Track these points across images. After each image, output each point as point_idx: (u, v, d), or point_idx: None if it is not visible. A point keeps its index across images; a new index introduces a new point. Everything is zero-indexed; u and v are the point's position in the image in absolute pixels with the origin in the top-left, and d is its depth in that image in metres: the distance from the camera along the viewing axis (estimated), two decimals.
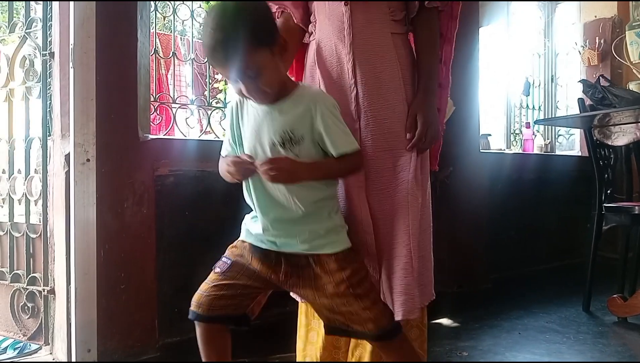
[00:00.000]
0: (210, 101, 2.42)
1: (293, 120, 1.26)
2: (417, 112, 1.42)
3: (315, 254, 1.28)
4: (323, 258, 1.28)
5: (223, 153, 1.38)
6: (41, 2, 2.04)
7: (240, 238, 1.38)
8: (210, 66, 1.28)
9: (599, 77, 3.17)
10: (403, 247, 1.35)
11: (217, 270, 1.33)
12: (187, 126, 2.34)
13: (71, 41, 1.81)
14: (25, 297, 2.04)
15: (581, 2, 4.14)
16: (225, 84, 2.61)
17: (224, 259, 1.34)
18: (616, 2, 3.98)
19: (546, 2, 4.20)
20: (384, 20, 1.44)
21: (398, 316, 1.32)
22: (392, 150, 1.40)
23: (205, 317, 1.30)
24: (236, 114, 1.34)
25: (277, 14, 1.57)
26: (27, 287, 2.03)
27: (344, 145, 1.27)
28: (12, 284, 2.08)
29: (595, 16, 4.07)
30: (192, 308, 1.31)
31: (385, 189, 1.39)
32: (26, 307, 2.04)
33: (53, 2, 1.97)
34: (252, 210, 1.35)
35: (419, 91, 1.45)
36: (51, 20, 1.98)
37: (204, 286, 1.33)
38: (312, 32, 1.52)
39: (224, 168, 1.28)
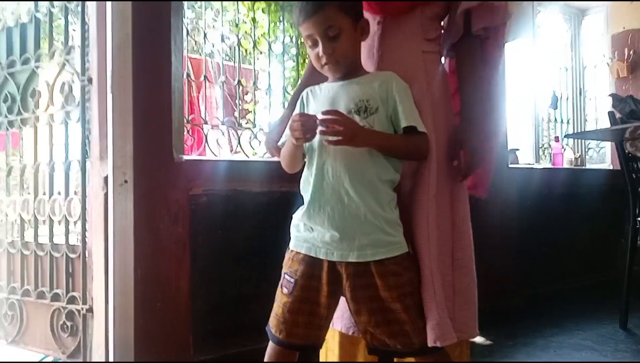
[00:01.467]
0: (240, 121, 2.47)
1: (369, 91, 1.31)
2: (461, 141, 1.42)
3: (372, 261, 1.26)
4: (380, 261, 1.27)
5: (282, 141, 1.41)
6: (79, 31, 2.12)
7: (292, 248, 1.36)
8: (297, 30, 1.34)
9: (630, 95, 3.12)
10: (425, 271, 1.33)
11: (285, 290, 1.32)
12: (218, 146, 2.39)
13: (109, 67, 1.88)
14: (64, 316, 2.09)
15: (609, 14, 4.10)
16: (255, 104, 2.66)
17: (287, 277, 1.33)
18: None
19: (572, 15, 4.18)
20: (415, 39, 1.44)
21: (430, 342, 1.29)
22: (415, 171, 1.40)
23: (286, 344, 1.32)
24: (307, 101, 1.41)
25: None
26: (67, 306, 2.09)
27: (414, 120, 1.30)
28: (52, 303, 2.14)
29: (624, 27, 4.02)
30: (273, 332, 1.33)
31: (405, 211, 1.37)
32: (65, 326, 2.09)
33: (90, 29, 2.06)
34: (301, 210, 1.34)
35: (462, 119, 1.46)
36: (89, 47, 2.06)
37: (279, 310, 1.33)
38: None
39: (290, 126, 1.28)
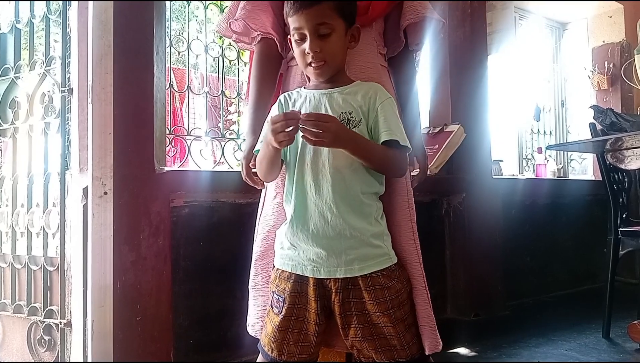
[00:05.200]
0: (224, 132, 2.45)
1: (353, 103, 1.28)
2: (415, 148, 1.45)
3: (360, 275, 1.25)
4: (369, 274, 1.25)
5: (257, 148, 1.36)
6: (60, 41, 2.10)
7: (277, 266, 1.33)
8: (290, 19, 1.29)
9: (610, 108, 3.17)
10: (418, 277, 1.33)
11: (275, 310, 1.30)
12: (201, 157, 2.37)
13: (89, 78, 1.86)
14: (42, 330, 2.05)
15: (589, 27, 4.18)
16: (239, 115, 2.65)
17: (276, 296, 1.31)
18: (624, 27, 4.01)
19: (554, 28, 4.25)
20: (373, 52, 1.47)
21: (427, 350, 1.29)
22: (391, 180, 1.40)
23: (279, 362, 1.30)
24: (285, 107, 1.36)
25: (256, 38, 1.55)
26: (44, 320, 2.04)
27: (397, 133, 1.26)
28: (29, 317, 2.09)
29: (604, 41, 4.10)
30: (267, 350, 1.32)
31: (387, 220, 1.36)
32: (43, 340, 2.04)
33: (72, 40, 2.04)
34: (284, 226, 1.32)
35: (409, 128, 1.46)
36: (70, 58, 2.04)
37: (270, 328, 1.31)
38: (293, 57, 1.46)
39: (272, 128, 1.20)
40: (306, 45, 1.25)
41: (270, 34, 1.50)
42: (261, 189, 1.54)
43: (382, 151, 1.26)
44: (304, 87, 1.38)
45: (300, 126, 1.16)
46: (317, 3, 1.23)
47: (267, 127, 1.32)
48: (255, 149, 1.36)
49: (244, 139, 2.42)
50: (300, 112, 1.19)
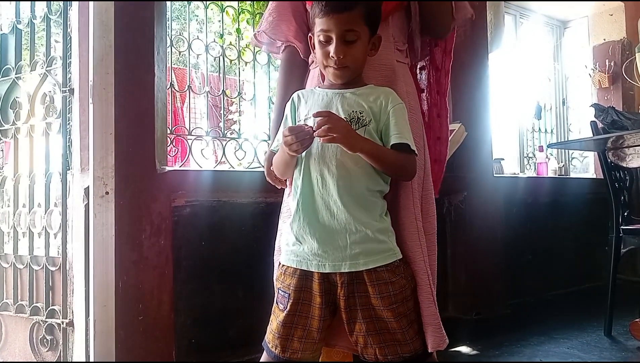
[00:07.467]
0: (225, 132, 2.45)
1: (364, 103, 1.30)
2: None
3: (364, 269, 1.26)
4: (373, 268, 1.26)
5: (273, 146, 1.40)
6: (61, 42, 2.10)
7: (283, 262, 1.35)
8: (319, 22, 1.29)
9: (611, 106, 3.16)
10: (423, 275, 1.34)
11: (281, 306, 1.31)
12: (202, 157, 2.37)
13: (90, 78, 1.86)
14: (44, 330, 2.05)
15: (590, 25, 4.17)
16: (240, 115, 2.65)
17: (281, 293, 1.32)
18: (625, 25, 4.00)
19: (554, 27, 4.24)
20: (389, 48, 1.47)
21: (430, 347, 1.29)
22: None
23: (282, 359, 1.31)
24: (297, 104, 1.39)
25: (281, 47, 1.63)
26: (46, 320, 2.05)
27: (407, 138, 1.28)
28: (31, 317, 2.10)
29: (604, 39, 4.09)
30: (270, 347, 1.32)
31: (391, 217, 1.37)
32: (45, 340, 2.05)
33: (72, 40, 2.04)
34: (290, 220, 1.33)
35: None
36: (71, 58, 2.05)
37: (274, 325, 1.32)
38: (313, 61, 1.55)
39: (283, 140, 1.26)
40: (331, 48, 1.27)
41: (293, 43, 1.58)
42: (282, 189, 1.56)
43: (393, 155, 1.28)
44: (318, 86, 1.41)
45: (315, 133, 1.21)
46: (348, 9, 1.26)
47: (282, 131, 1.35)
48: (273, 147, 1.41)
49: (246, 139, 2.46)
50: (307, 125, 1.23)
